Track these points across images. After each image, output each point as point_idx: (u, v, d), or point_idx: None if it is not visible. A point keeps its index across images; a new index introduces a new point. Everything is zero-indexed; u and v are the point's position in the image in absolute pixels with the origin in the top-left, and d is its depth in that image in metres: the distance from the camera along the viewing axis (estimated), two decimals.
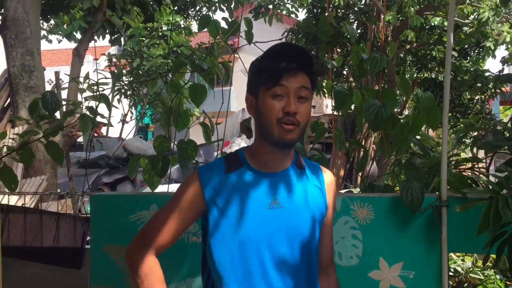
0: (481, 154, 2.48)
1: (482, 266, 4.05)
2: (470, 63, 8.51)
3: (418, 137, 2.32)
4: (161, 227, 1.37)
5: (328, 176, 1.52)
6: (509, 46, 6.86)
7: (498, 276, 3.84)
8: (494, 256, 3.48)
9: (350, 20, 9.86)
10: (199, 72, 2.35)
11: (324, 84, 2.62)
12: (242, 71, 2.63)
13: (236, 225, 1.32)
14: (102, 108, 2.57)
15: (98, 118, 2.62)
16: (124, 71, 10.48)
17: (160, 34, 10.05)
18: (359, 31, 9.63)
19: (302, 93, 1.33)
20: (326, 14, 2.37)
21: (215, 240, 1.33)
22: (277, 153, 1.38)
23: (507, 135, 1.87)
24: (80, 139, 9.90)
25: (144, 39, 9.86)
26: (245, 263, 1.31)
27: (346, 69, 8.82)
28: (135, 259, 1.37)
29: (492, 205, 1.60)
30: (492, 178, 1.97)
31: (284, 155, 1.40)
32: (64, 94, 7.31)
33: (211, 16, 2.43)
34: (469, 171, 2.11)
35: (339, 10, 8.97)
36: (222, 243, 1.33)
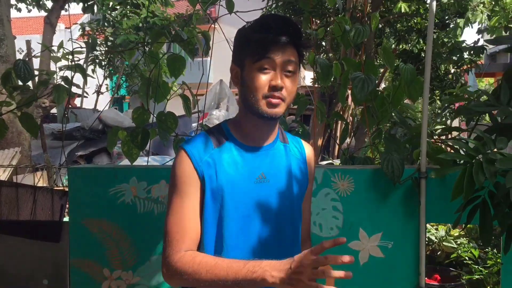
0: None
1: (454, 235, 4.17)
2: (448, 35, 8.55)
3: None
4: (183, 224, 1.28)
5: (309, 150, 1.52)
6: (481, 23, 6.92)
7: (471, 244, 3.96)
8: (470, 226, 3.57)
9: None
10: (179, 42, 2.29)
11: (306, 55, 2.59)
12: (221, 41, 2.58)
13: (226, 199, 1.31)
14: (77, 79, 2.50)
15: (73, 89, 2.55)
16: (98, 41, 10.20)
17: (134, 2, 9.77)
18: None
19: (289, 67, 1.30)
20: None
21: (206, 216, 1.31)
22: (262, 126, 1.36)
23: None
24: (54, 110, 9.68)
25: (117, 8, 9.58)
26: (233, 236, 1.31)
27: (325, 40, 8.77)
28: (181, 266, 1.23)
29: (467, 170, 1.56)
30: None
31: (269, 129, 1.38)
32: (36, 64, 7.09)
33: None
34: (450, 141, 2.13)
35: None
36: (212, 218, 1.32)
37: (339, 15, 2.52)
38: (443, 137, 2.18)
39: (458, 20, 7.22)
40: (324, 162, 5.47)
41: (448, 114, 6.27)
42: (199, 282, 1.20)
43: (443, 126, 2.26)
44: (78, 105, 12.72)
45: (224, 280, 1.16)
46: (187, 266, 1.21)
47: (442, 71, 9.84)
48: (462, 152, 1.71)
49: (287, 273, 1.09)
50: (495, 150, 1.58)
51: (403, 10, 6.94)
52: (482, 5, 6.82)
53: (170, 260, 1.25)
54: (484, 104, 1.78)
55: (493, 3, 7.01)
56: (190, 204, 1.30)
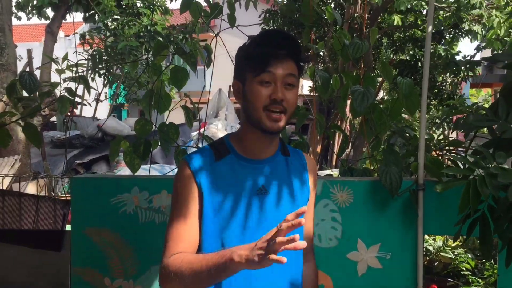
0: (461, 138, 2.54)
1: (452, 245, 4.20)
2: (444, 47, 8.64)
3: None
4: (179, 232, 1.32)
5: (310, 163, 1.55)
6: (498, 30, 6.92)
7: (469, 255, 3.99)
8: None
9: (328, 1, 9.84)
10: (181, 55, 2.33)
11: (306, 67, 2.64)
12: (222, 52, 2.63)
13: (227, 212, 1.34)
14: (78, 88, 2.53)
15: (76, 99, 2.58)
16: (97, 49, 10.24)
17: (135, 12, 9.84)
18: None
19: (289, 80, 1.33)
20: None
21: (205, 228, 1.35)
22: (264, 140, 1.39)
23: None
24: (53, 118, 9.71)
25: (118, 16, 9.66)
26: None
27: (323, 52, 8.85)
28: (169, 268, 1.26)
29: (471, 183, 1.61)
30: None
31: (270, 142, 1.41)
32: (36, 72, 7.12)
33: None
34: (448, 154, 2.17)
35: None
36: (212, 230, 1.35)
37: (337, 27, 2.57)
38: (444, 151, 2.22)
39: (475, 28, 7.22)
40: (323, 173, 5.49)
41: (446, 125, 6.33)
42: (183, 281, 1.22)
43: (443, 138, 2.30)
44: (78, 113, 12.75)
45: (200, 273, 1.18)
46: (173, 267, 1.25)
47: (439, 81, 9.92)
48: (461, 166, 1.74)
49: (252, 249, 1.11)
50: (495, 164, 1.63)
51: (395, 23, 7.02)
52: (492, 11, 6.88)
53: (162, 265, 1.29)
54: (483, 119, 1.83)
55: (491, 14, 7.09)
56: (188, 215, 1.33)
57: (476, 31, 7.22)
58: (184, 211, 1.34)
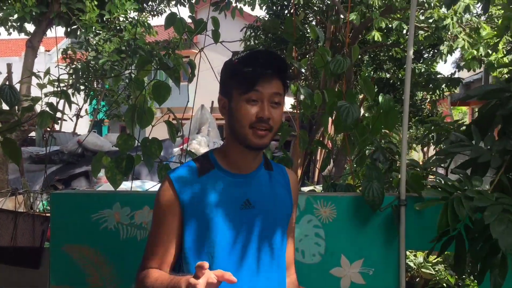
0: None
1: (433, 261, 4.23)
2: (424, 65, 8.83)
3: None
4: (155, 247, 1.37)
5: (292, 177, 1.56)
6: (463, 52, 7.13)
7: (448, 272, 4.02)
8: (447, 252, 3.65)
9: (309, 19, 9.98)
10: (165, 70, 2.33)
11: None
12: (205, 68, 2.64)
13: (211, 227, 1.33)
14: (59, 104, 2.51)
15: (58, 115, 2.55)
16: (78, 64, 10.16)
17: (117, 27, 9.82)
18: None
19: (276, 99, 1.35)
20: (293, 16, 2.41)
21: (190, 244, 1.34)
22: (248, 155, 1.40)
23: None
24: (32, 134, 9.56)
25: (100, 32, 9.63)
26: (220, 263, 1.32)
27: (305, 69, 8.95)
28: (138, 282, 1.36)
29: (448, 205, 1.73)
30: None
31: (254, 157, 1.42)
32: (16, 86, 7.02)
33: (178, 14, 2.41)
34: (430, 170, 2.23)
35: (298, 9, 9.05)
36: (197, 245, 1.34)
37: (319, 44, 2.61)
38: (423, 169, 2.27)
39: (441, 48, 7.47)
40: (306, 188, 5.51)
41: (427, 141, 6.44)
42: None
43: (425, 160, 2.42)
44: (57, 128, 12.59)
45: None
46: (141, 282, 1.32)
47: (418, 100, 10.11)
48: (439, 188, 1.85)
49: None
50: (470, 188, 1.77)
51: (376, 39, 7.15)
52: (461, 33, 7.08)
53: (136, 278, 1.36)
54: (458, 145, 1.98)
55: (470, 34, 7.28)
56: (166, 231, 1.36)
57: (442, 50, 7.41)
58: (162, 228, 1.36)
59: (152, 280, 1.30)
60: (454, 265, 1.84)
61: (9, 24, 8.73)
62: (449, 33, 7.08)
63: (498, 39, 4.89)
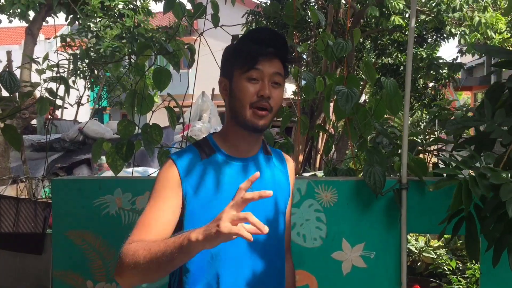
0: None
1: (434, 245, 4.24)
2: (426, 50, 8.74)
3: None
4: (147, 221, 1.25)
5: (290, 163, 1.56)
6: (485, 31, 6.96)
7: (449, 256, 4.04)
8: (446, 236, 3.64)
9: (311, 3, 9.89)
10: (165, 55, 2.31)
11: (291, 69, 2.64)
12: (205, 53, 2.62)
13: (212, 211, 1.32)
14: (59, 90, 2.49)
15: (57, 101, 2.54)
16: (80, 48, 10.11)
17: (117, 14, 9.75)
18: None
19: (276, 79, 1.34)
20: None
21: (190, 228, 1.32)
22: (248, 138, 1.39)
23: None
24: (34, 122, 9.56)
25: (100, 19, 9.56)
26: (220, 248, 1.32)
27: (306, 54, 8.88)
28: (125, 252, 1.16)
29: (463, 184, 1.62)
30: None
31: (254, 140, 1.41)
32: (16, 73, 7.00)
33: None
34: (435, 153, 2.20)
35: None
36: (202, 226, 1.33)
37: (320, 29, 2.58)
38: (429, 150, 2.25)
39: (459, 29, 7.31)
40: (307, 174, 5.51)
41: (431, 125, 6.40)
42: (138, 266, 1.13)
43: (427, 133, 2.35)
44: (59, 116, 12.57)
45: (159, 256, 1.10)
46: (128, 252, 1.16)
47: (421, 85, 10.04)
48: (450, 166, 1.77)
49: (208, 226, 1.07)
50: (484, 165, 1.66)
51: (397, 22, 7.07)
52: (474, 12, 6.99)
53: (120, 251, 1.18)
54: (471, 119, 1.88)
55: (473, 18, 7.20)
56: (163, 207, 1.28)
57: (461, 32, 7.31)
58: (159, 204, 1.29)
59: (143, 245, 1.14)
60: (466, 247, 1.76)
61: (10, 11, 8.68)
62: (453, 15, 7.00)
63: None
